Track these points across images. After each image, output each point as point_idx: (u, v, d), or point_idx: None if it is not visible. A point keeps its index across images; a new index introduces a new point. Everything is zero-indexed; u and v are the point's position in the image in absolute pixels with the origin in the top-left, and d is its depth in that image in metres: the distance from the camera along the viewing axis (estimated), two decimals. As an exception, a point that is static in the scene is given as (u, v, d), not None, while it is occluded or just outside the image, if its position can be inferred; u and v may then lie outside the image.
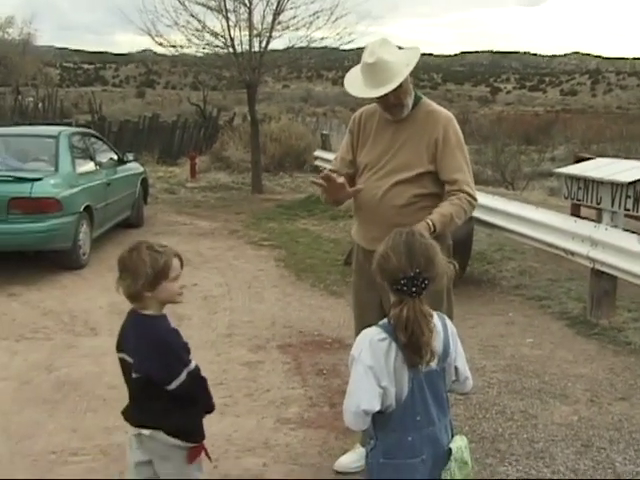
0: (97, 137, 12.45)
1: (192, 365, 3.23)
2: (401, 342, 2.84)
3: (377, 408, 2.86)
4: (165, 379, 3.15)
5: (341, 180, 4.13)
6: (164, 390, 3.16)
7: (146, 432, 3.26)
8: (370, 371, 2.85)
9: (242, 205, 15.89)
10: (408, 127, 4.28)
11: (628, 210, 7.18)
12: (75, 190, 9.85)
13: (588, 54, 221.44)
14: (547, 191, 22.20)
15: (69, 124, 20.05)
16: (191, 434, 3.31)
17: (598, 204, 7.52)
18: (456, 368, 3.04)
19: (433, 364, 2.91)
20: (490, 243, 10.55)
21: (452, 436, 3.04)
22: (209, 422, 5.22)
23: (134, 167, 13.12)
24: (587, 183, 7.65)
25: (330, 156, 15.40)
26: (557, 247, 7.71)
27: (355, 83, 4.27)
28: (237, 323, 7.22)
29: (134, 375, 3.22)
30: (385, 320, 2.96)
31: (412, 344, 2.83)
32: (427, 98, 4.43)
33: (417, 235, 2.97)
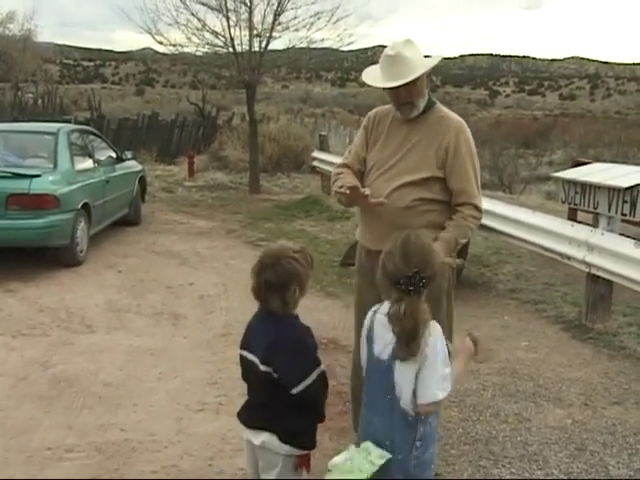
0: (96, 135, 12.45)
1: (322, 367, 3.20)
2: (396, 335, 3.01)
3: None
4: (295, 380, 3.11)
5: (367, 192, 4.12)
6: (286, 393, 3.12)
7: (256, 441, 3.23)
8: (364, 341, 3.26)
9: (239, 205, 15.90)
10: (419, 130, 4.31)
11: (625, 215, 7.20)
12: (73, 187, 9.86)
13: (587, 59, 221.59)
14: (544, 195, 22.22)
15: (68, 121, 20.04)
16: (305, 440, 3.26)
17: (595, 209, 7.54)
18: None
19: (385, 355, 3.09)
20: (486, 246, 10.57)
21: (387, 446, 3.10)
22: (204, 421, 5.27)
23: (132, 165, 13.12)
24: (584, 187, 7.67)
25: (328, 157, 15.42)
26: (553, 251, 7.74)
27: (372, 75, 4.32)
28: (233, 323, 7.20)
29: (262, 369, 3.16)
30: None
31: (405, 337, 2.98)
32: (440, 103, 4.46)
33: (412, 237, 3.09)
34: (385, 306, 3.12)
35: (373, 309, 3.23)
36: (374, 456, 3.03)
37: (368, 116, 4.58)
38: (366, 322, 3.22)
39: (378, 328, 3.13)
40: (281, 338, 3.13)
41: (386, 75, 4.16)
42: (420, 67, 4.13)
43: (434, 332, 3.05)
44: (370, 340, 3.16)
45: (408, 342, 2.97)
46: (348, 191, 4.09)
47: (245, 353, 3.27)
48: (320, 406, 3.27)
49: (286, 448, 3.19)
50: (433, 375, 3.03)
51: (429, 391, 3.03)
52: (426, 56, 4.31)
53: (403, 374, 3.03)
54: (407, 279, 2.98)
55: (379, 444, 3.06)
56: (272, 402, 3.18)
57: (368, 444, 3.06)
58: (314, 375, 3.13)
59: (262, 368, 3.16)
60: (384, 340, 3.07)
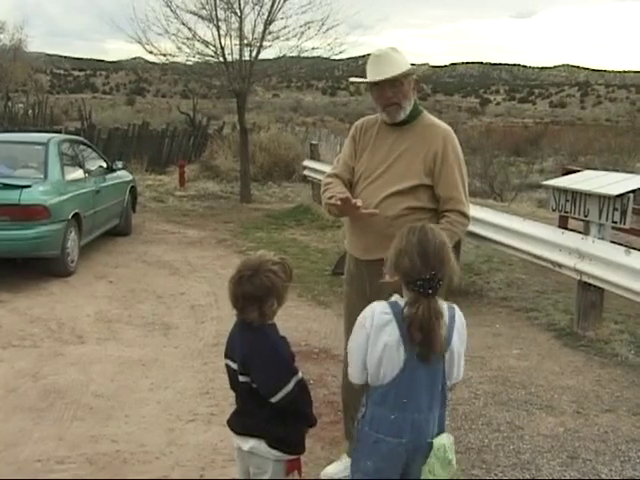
0: (86, 144, 12.41)
1: (300, 375, 3.20)
2: (415, 339, 2.90)
3: (360, 380, 3.08)
4: (272, 389, 3.12)
5: (359, 204, 4.11)
6: (268, 401, 3.14)
7: (245, 447, 3.25)
8: (362, 339, 3.01)
9: (230, 214, 15.88)
10: (406, 139, 4.30)
11: (615, 223, 7.20)
12: (64, 197, 9.83)
13: (577, 66, 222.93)
14: (535, 203, 22.26)
15: (59, 131, 20.01)
16: (293, 446, 3.27)
17: (586, 216, 7.53)
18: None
19: (443, 350, 2.98)
20: (478, 254, 10.57)
21: (443, 430, 3.07)
22: (196, 431, 5.25)
23: (123, 175, 13.09)
24: (575, 195, 7.67)
25: (319, 166, 15.41)
26: (544, 259, 7.74)
27: (360, 77, 4.37)
28: (224, 333, 7.05)
29: (241, 379, 3.19)
30: (395, 297, 3.02)
31: (428, 342, 2.90)
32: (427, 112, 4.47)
33: (430, 234, 2.99)
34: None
35: (385, 310, 3.02)
36: (445, 455, 3.01)
37: (355, 125, 4.58)
38: (379, 322, 3.01)
39: (375, 332, 3.01)
40: (255, 349, 3.15)
41: (372, 73, 4.20)
42: (405, 65, 4.18)
43: (451, 319, 3.02)
44: (407, 339, 2.98)
45: (430, 344, 2.90)
46: (339, 202, 4.08)
47: (229, 362, 3.30)
48: (305, 412, 3.27)
49: (275, 453, 3.21)
50: (462, 355, 3.09)
51: (461, 369, 3.12)
52: (412, 64, 4.33)
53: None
54: (425, 281, 2.88)
55: (423, 436, 3.01)
56: (257, 410, 3.20)
57: (435, 453, 3.00)
58: (292, 384, 3.13)
59: (241, 378, 3.20)
60: (386, 339, 2.98)
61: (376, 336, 2.95)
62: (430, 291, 2.89)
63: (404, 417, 2.97)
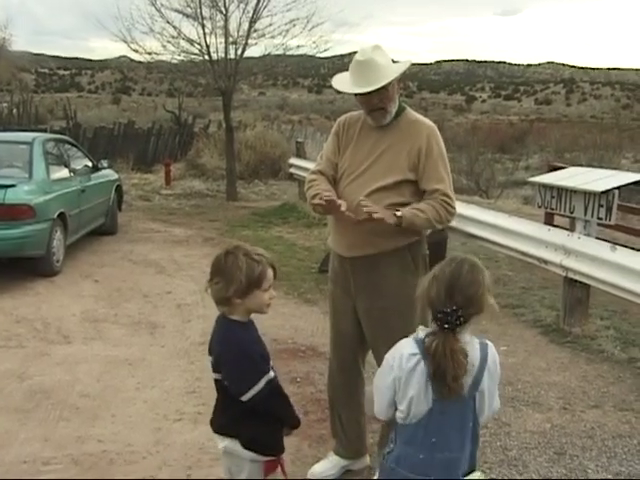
0: (71, 144, 12.36)
1: (271, 374, 3.17)
2: (430, 370, 2.84)
3: (385, 417, 3.02)
4: (241, 388, 3.10)
5: (343, 208, 4.09)
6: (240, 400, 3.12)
7: (221, 445, 3.24)
8: (391, 383, 2.92)
9: (217, 213, 15.86)
10: (390, 135, 4.26)
11: (601, 219, 7.22)
12: (49, 197, 9.79)
13: (563, 64, 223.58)
14: (521, 200, 22.32)
15: (43, 130, 19.91)
16: (267, 447, 3.23)
17: (571, 213, 7.55)
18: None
19: (462, 391, 2.88)
20: (464, 251, 10.53)
21: (474, 468, 3.02)
22: (183, 430, 5.24)
23: (108, 174, 13.04)
24: (560, 192, 7.68)
25: (305, 164, 15.39)
26: (531, 256, 7.76)
27: (342, 81, 4.27)
28: (211, 331, 7.13)
29: (214, 377, 3.20)
30: (421, 333, 2.94)
31: (438, 375, 2.82)
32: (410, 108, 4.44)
33: (464, 268, 2.91)
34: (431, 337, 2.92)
35: (412, 352, 2.90)
36: None
37: (338, 122, 4.52)
38: (408, 365, 2.89)
39: (404, 374, 2.90)
40: (226, 347, 3.15)
41: (357, 81, 4.11)
42: (391, 72, 4.11)
43: (482, 359, 2.94)
44: (405, 400, 2.91)
45: (443, 378, 2.81)
46: (324, 202, 4.06)
47: (210, 358, 3.29)
48: (280, 412, 3.24)
49: (248, 454, 3.19)
50: (494, 392, 3.02)
51: (495, 403, 3.05)
52: (394, 61, 4.28)
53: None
54: (444, 315, 2.81)
55: (454, 475, 2.94)
56: (230, 408, 3.19)
57: None
58: (262, 383, 3.11)
59: (214, 376, 3.20)
60: (417, 380, 2.89)
61: (407, 380, 2.87)
62: (447, 326, 2.81)
63: (432, 457, 2.89)
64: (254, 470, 3.21)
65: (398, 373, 2.89)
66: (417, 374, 2.86)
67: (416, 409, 2.89)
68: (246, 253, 3.15)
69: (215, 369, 3.19)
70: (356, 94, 4.16)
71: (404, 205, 4.13)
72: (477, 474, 3.01)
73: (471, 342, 2.91)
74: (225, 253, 3.15)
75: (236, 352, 3.13)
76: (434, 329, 2.87)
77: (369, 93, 4.08)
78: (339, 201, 4.07)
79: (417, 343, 2.90)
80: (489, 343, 3.01)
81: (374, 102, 4.15)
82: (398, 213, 4.02)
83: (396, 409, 2.95)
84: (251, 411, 3.14)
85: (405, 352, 2.90)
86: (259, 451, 3.19)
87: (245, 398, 3.10)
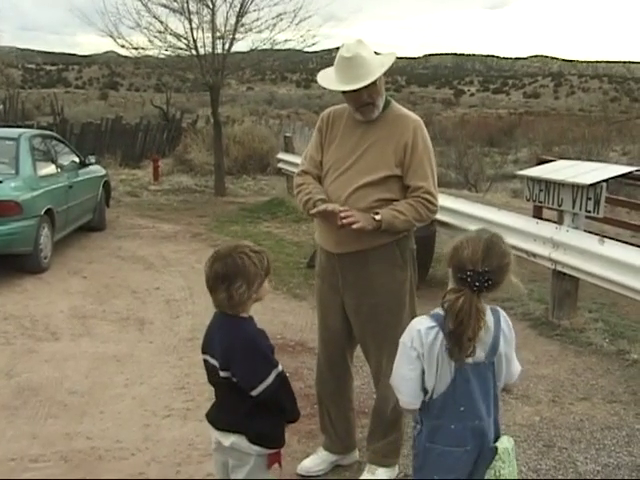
0: (59, 139, 12.32)
1: (280, 367, 3.18)
2: (447, 329, 2.86)
3: (417, 406, 2.98)
4: (252, 382, 3.09)
5: (341, 222, 4.04)
6: (249, 396, 3.11)
7: (226, 443, 3.23)
8: (416, 361, 2.92)
9: (205, 208, 15.83)
10: (376, 130, 4.23)
11: (589, 212, 7.22)
12: (36, 193, 9.75)
13: (551, 57, 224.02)
14: (510, 193, 22.36)
15: (30, 126, 19.84)
16: (274, 440, 3.25)
17: (559, 206, 7.55)
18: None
19: (481, 357, 2.93)
20: (456, 239, 10.57)
21: (499, 434, 3.05)
22: (172, 427, 5.22)
23: (96, 170, 13.00)
24: (549, 185, 7.68)
25: (293, 158, 15.38)
26: (519, 249, 7.74)
27: (329, 78, 4.22)
28: (199, 327, 7.06)
29: (222, 375, 3.16)
30: (437, 309, 2.96)
31: (457, 334, 2.84)
32: (395, 102, 4.41)
33: (497, 239, 3.00)
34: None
35: (429, 325, 2.94)
36: (510, 458, 2.99)
37: (321, 117, 4.48)
38: (428, 339, 2.91)
39: (425, 348, 2.91)
40: (234, 343, 3.12)
41: (345, 78, 4.07)
42: (379, 67, 4.08)
43: (496, 323, 3.01)
44: (429, 374, 2.93)
45: (460, 339, 2.84)
46: (321, 212, 4.05)
47: (207, 357, 3.27)
48: (286, 405, 3.24)
49: (255, 448, 3.19)
50: (512, 357, 3.09)
51: (514, 369, 3.11)
52: (377, 53, 4.25)
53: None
54: (475, 274, 2.85)
55: (486, 442, 2.97)
56: (238, 405, 3.17)
57: (502, 457, 2.96)
58: (272, 376, 3.11)
59: (222, 374, 3.17)
60: (437, 353, 2.91)
61: (430, 355, 2.89)
62: (477, 284, 2.85)
63: (464, 426, 2.92)
64: (260, 463, 3.22)
65: (420, 350, 2.90)
66: (437, 346, 2.88)
67: (440, 382, 2.91)
68: (250, 249, 3.17)
69: (223, 367, 3.16)
70: (345, 92, 4.14)
71: (391, 201, 4.13)
72: (505, 440, 3.03)
73: (486, 309, 2.96)
74: (235, 255, 3.13)
75: (247, 347, 3.12)
76: (456, 288, 2.90)
77: (358, 89, 4.06)
78: (331, 207, 4.03)
79: (433, 318, 2.93)
80: (500, 309, 3.09)
81: (363, 98, 4.12)
82: (377, 217, 4.01)
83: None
84: (260, 406, 3.14)
85: (422, 327, 2.92)
86: (266, 445, 3.21)
87: (255, 392, 3.09)
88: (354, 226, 3.93)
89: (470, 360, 2.89)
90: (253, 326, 3.22)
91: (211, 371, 3.25)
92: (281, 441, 3.30)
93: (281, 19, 17.12)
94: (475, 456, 2.95)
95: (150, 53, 17.71)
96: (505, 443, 3.00)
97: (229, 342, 3.15)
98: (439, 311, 2.93)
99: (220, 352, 3.17)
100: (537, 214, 10.54)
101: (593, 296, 8.19)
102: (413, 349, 2.91)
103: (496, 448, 2.95)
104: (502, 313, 3.09)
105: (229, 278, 3.09)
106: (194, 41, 16.95)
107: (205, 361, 3.29)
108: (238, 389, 3.13)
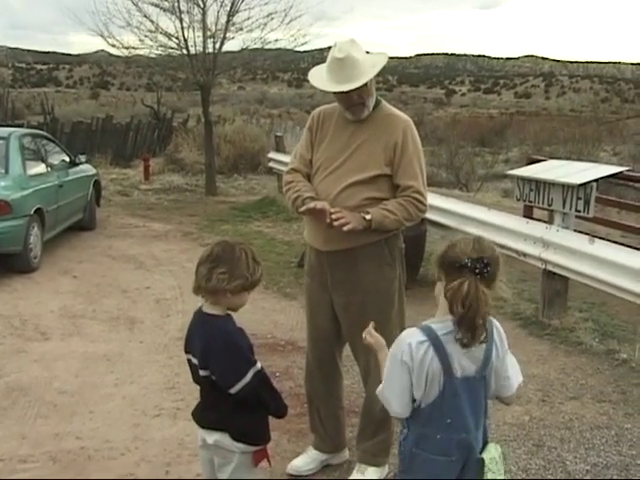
0: (49, 139, 12.30)
1: (258, 365, 3.17)
2: (456, 317, 2.79)
3: (407, 415, 2.93)
4: (230, 380, 3.10)
5: (330, 221, 4.04)
6: (230, 394, 3.12)
7: (210, 440, 3.24)
8: (406, 375, 2.87)
9: (196, 207, 15.81)
10: (366, 129, 4.23)
11: (579, 211, 7.23)
12: (26, 192, 9.72)
13: (542, 57, 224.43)
14: (501, 193, 22.41)
15: (20, 125, 19.78)
16: (257, 437, 3.26)
17: (550, 205, 7.56)
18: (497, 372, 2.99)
19: (472, 371, 2.88)
20: (443, 244, 10.58)
21: (487, 439, 3.02)
22: (162, 426, 5.21)
23: (86, 169, 12.98)
24: (539, 185, 7.69)
25: (284, 158, 15.37)
26: (509, 248, 7.76)
27: (320, 78, 4.21)
28: (190, 327, 7.13)
29: (201, 374, 3.18)
30: (427, 322, 2.92)
31: (468, 320, 2.78)
32: (385, 101, 4.41)
33: (487, 240, 2.97)
34: (439, 324, 2.89)
35: (420, 339, 2.86)
36: (498, 467, 2.97)
37: (312, 116, 4.48)
38: (418, 354, 2.84)
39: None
40: (212, 342, 3.13)
41: (337, 78, 4.06)
42: (370, 68, 4.08)
43: (489, 335, 2.94)
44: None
45: (471, 326, 2.78)
46: (310, 210, 4.05)
47: (190, 357, 3.28)
48: (269, 402, 3.24)
49: (239, 446, 3.20)
50: (502, 368, 3.01)
51: (511, 381, 3.04)
52: (367, 52, 4.25)
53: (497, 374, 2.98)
54: (474, 260, 2.79)
55: (473, 454, 2.92)
56: (220, 403, 3.18)
57: (489, 467, 2.93)
58: (249, 375, 3.11)
59: (201, 373, 3.19)
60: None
61: (420, 370, 2.84)
62: (478, 268, 2.79)
63: (450, 437, 2.88)
64: (244, 461, 3.23)
65: (410, 364, 2.85)
66: (427, 361, 2.83)
67: (428, 395, 2.88)
68: (253, 255, 3.18)
69: (202, 366, 3.17)
70: (336, 92, 4.13)
71: (381, 200, 4.13)
72: (492, 448, 3.00)
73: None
74: (238, 247, 3.15)
75: (223, 345, 3.12)
76: (454, 277, 2.82)
77: (350, 91, 4.06)
78: (320, 205, 4.03)
79: (424, 331, 2.88)
80: (493, 319, 3.01)
81: (354, 98, 4.12)
82: (367, 217, 4.02)
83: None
84: (241, 404, 3.14)
85: (413, 341, 2.86)
86: (249, 442, 3.22)
87: (234, 390, 3.10)
88: (345, 228, 3.93)
89: (459, 374, 2.85)
90: (232, 324, 3.22)
91: (194, 370, 3.26)
92: (265, 438, 3.31)
93: (272, 18, 17.17)
94: (461, 466, 2.92)
95: (141, 52, 17.73)
96: (492, 452, 2.97)
97: (207, 341, 3.16)
98: (430, 324, 2.90)
99: (199, 352, 3.18)
100: (527, 214, 10.55)
101: (583, 296, 8.20)
102: (403, 362, 2.87)
103: (482, 460, 2.92)
104: (496, 324, 3.03)
105: (218, 260, 3.11)
106: (185, 40, 16.95)
107: (189, 360, 3.30)
108: (219, 387, 3.14)
